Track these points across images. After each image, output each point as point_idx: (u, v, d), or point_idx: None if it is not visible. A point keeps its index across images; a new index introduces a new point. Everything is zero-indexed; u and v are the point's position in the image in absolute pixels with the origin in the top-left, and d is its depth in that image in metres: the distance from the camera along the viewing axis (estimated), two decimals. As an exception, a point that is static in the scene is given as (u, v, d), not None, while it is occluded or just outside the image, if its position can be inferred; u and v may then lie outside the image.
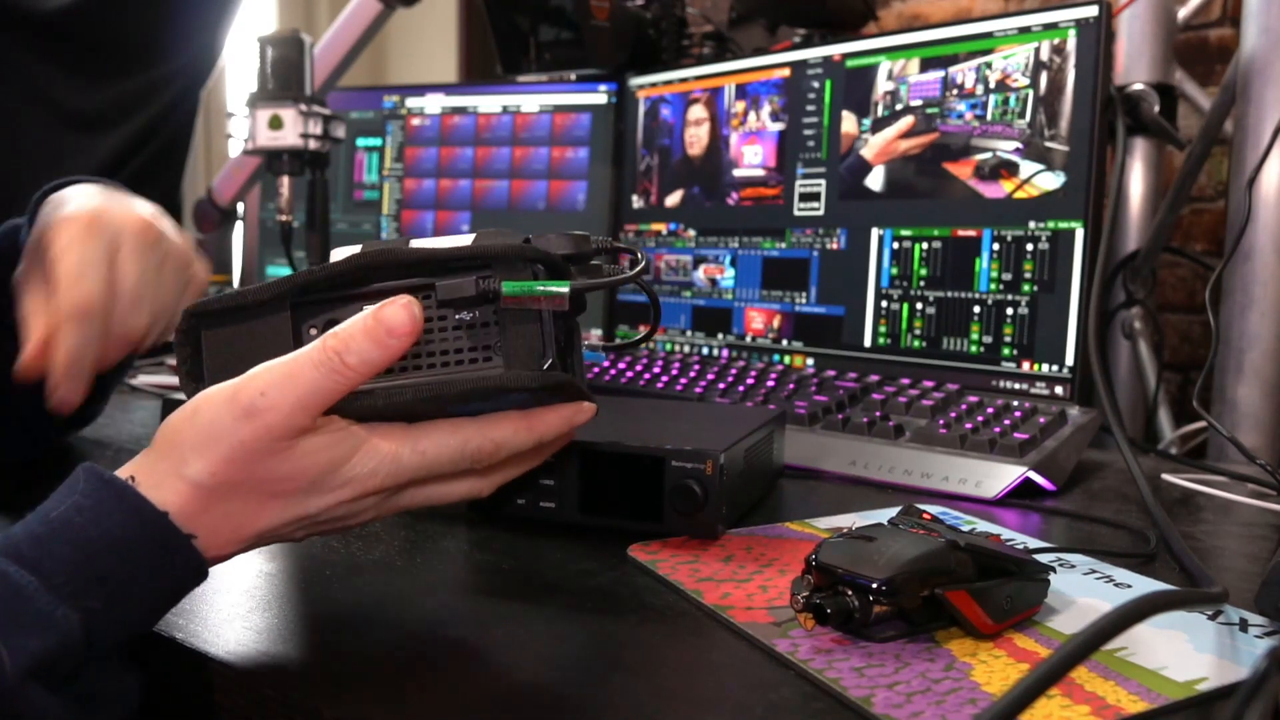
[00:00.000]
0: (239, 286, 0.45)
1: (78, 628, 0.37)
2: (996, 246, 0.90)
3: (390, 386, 0.43)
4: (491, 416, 0.45)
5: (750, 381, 0.96)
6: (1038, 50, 0.88)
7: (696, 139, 1.15)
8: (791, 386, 0.94)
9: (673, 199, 1.18)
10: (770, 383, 0.95)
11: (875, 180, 0.99)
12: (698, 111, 1.15)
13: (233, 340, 0.44)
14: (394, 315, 0.41)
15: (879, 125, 0.98)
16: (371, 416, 0.43)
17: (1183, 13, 1.30)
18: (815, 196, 1.04)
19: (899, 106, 0.97)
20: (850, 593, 0.44)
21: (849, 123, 1.01)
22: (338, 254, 0.46)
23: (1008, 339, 0.89)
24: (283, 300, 0.44)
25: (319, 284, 0.44)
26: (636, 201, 1.22)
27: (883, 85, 0.98)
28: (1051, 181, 0.87)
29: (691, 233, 1.16)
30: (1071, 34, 0.86)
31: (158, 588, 0.40)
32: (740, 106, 1.11)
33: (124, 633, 0.39)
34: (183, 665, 0.45)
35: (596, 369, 1.08)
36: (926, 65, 0.95)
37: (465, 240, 0.45)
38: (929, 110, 0.95)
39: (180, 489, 0.40)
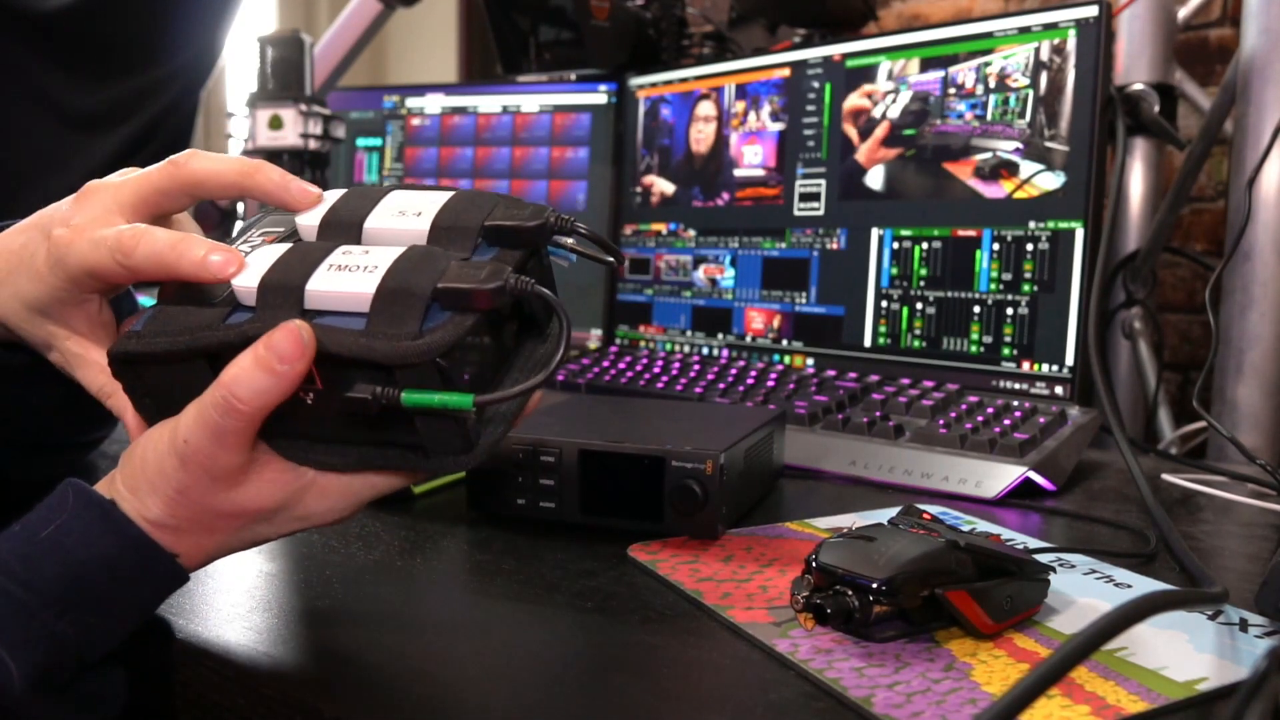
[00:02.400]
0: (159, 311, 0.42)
1: (72, 641, 0.38)
2: (996, 246, 0.90)
3: (323, 460, 0.42)
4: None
5: (750, 381, 0.96)
6: (1038, 50, 0.88)
7: (703, 135, 1.15)
8: (791, 386, 0.94)
9: (673, 199, 1.18)
10: (770, 383, 0.95)
11: (875, 180, 0.99)
12: (706, 108, 1.15)
13: (160, 379, 0.42)
14: (281, 343, 0.39)
15: (866, 134, 0.98)
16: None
17: (1183, 13, 1.30)
18: (815, 196, 1.04)
19: (880, 114, 0.97)
20: (850, 593, 0.44)
21: (850, 129, 1.01)
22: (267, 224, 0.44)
23: (1008, 339, 0.89)
24: (194, 355, 0.41)
25: (232, 346, 0.40)
26: (654, 197, 1.22)
27: (883, 86, 0.98)
28: (1051, 181, 0.87)
29: (691, 233, 1.16)
30: (1071, 34, 0.86)
31: (142, 598, 0.41)
32: (740, 106, 1.11)
33: (113, 641, 0.40)
34: (183, 665, 0.45)
35: (596, 369, 1.08)
36: (926, 65, 0.95)
37: (421, 226, 0.42)
38: (909, 112, 0.95)
39: (148, 526, 0.41)
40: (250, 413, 0.39)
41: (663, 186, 1.19)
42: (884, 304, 0.97)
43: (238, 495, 0.41)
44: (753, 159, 1.10)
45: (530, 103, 1.35)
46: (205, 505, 0.41)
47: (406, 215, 0.43)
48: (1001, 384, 0.89)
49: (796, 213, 1.05)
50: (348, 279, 0.40)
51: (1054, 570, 0.50)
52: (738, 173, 1.11)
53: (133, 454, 0.42)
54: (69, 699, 0.39)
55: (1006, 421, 0.80)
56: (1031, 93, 0.89)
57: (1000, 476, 0.74)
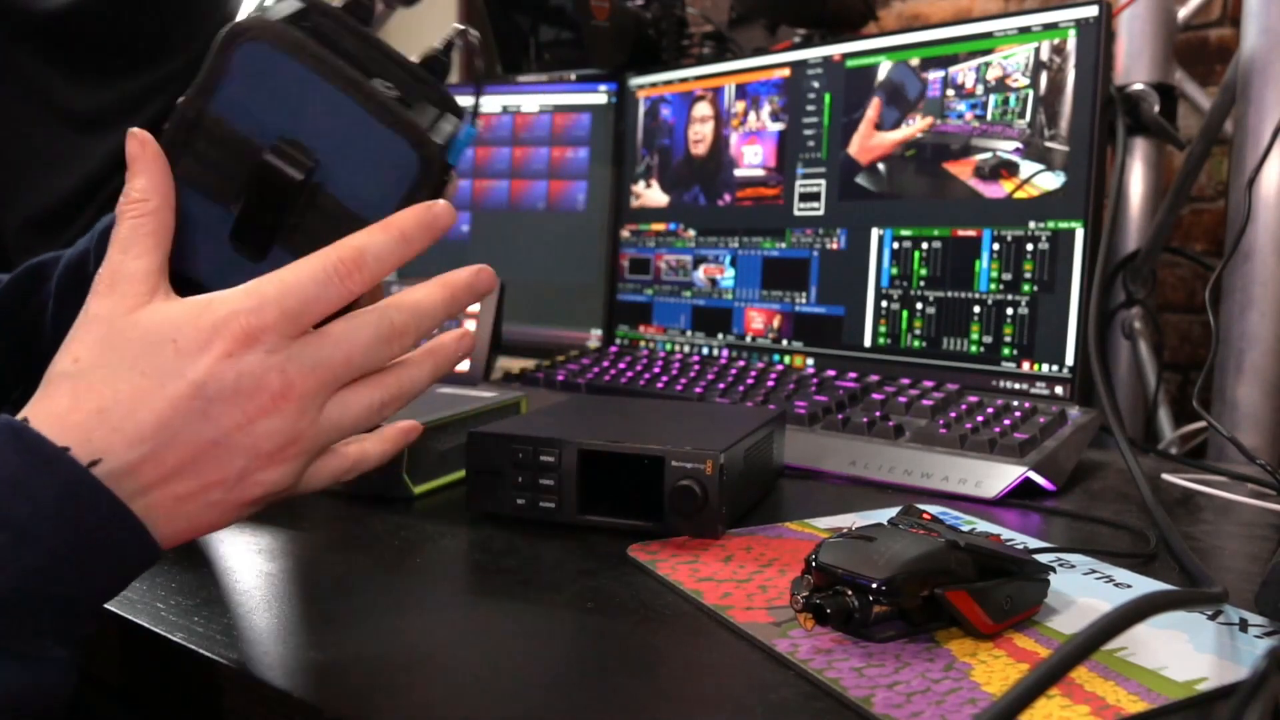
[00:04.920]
0: None
1: None
2: (996, 246, 0.90)
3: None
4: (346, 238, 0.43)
5: (750, 381, 0.96)
6: (1038, 50, 0.88)
7: (701, 136, 1.15)
8: (791, 386, 0.94)
9: (673, 198, 1.18)
10: (770, 383, 0.95)
11: (875, 180, 0.99)
12: (703, 109, 1.15)
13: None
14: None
15: (854, 126, 0.98)
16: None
17: (1183, 13, 1.30)
18: (815, 196, 1.04)
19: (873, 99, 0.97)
20: (850, 593, 0.44)
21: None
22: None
23: (1008, 339, 0.89)
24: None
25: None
26: (636, 201, 1.22)
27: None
28: (1051, 181, 0.87)
29: (691, 233, 1.16)
30: (1071, 34, 0.86)
31: (66, 529, 0.36)
32: (740, 106, 1.11)
33: (31, 583, 0.35)
34: (183, 665, 0.45)
35: (596, 369, 1.08)
36: (926, 65, 0.95)
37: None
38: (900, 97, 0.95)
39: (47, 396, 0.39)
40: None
41: (654, 199, 1.19)
42: (884, 304, 0.97)
43: (147, 314, 0.41)
44: (753, 159, 1.10)
45: (530, 103, 1.35)
46: (115, 339, 0.40)
47: None
48: (1001, 384, 0.89)
49: (796, 213, 1.05)
50: None
51: (1054, 570, 0.50)
52: (738, 173, 1.11)
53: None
54: None
55: (1006, 421, 0.80)
56: (1031, 93, 0.89)
57: (1000, 476, 0.74)
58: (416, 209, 0.44)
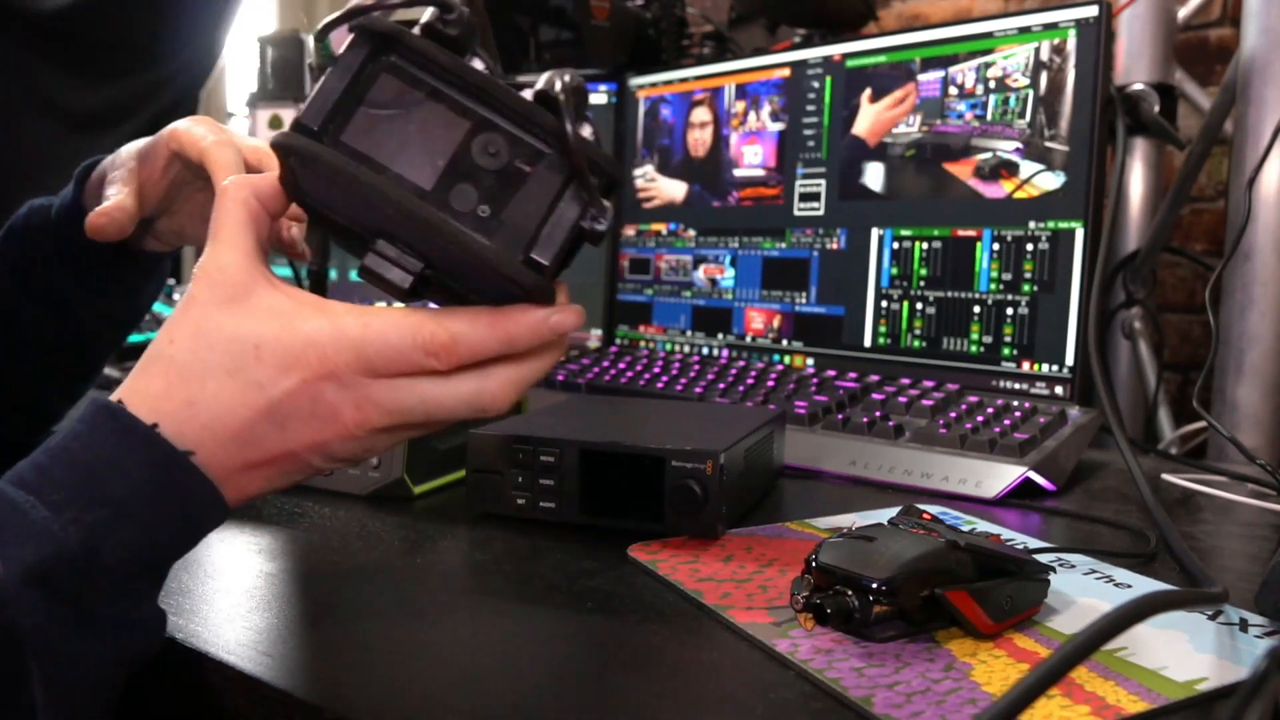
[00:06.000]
0: None
1: (75, 541, 0.37)
2: (996, 246, 0.90)
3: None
4: (449, 308, 0.43)
5: (750, 381, 0.96)
6: (1038, 50, 0.88)
7: (700, 141, 1.15)
8: (791, 386, 0.94)
9: (673, 198, 1.18)
10: (770, 383, 0.95)
11: (875, 179, 0.99)
12: (701, 114, 1.15)
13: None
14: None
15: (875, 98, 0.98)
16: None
17: (1183, 13, 1.30)
18: (815, 196, 1.04)
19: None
20: (850, 593, 0.44)
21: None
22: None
23: (1008, 339, 0.89)
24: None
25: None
26: (649, 197, 1.22)
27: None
28: (1051, 181, 0.87)
29: (691, 233, 1.16)
30: (1071, 34, 0.86)
31: (161, 505, 0.40)
32: (740, 106, 1.11)
33: (130, 553, 0.39)
34: (183, 665, 0.45)
35: (596, 369, 1.08)
36: (926, 65, 0.95)
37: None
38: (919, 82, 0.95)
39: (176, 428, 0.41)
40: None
41: (672, 192, 1.19)
42: (884, 304, 0.97)
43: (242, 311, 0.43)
44: (753, 159, 1.10)
45: (530, 103, 1.35)
46: (206, 324, 0.42)
47: None
48: (1001, 384, 0.89)
49: (796, 213, 1.05)
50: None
51: (1054, 570, 0.50)
52: (738, 173, 1.11)
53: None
54: (78, 610, 0.38)
55: (1006, 421, 0.80)
56: (1031, 93, 0.89)
57: (1000, 476, 0.74)
58: (532, 319, 0.43)
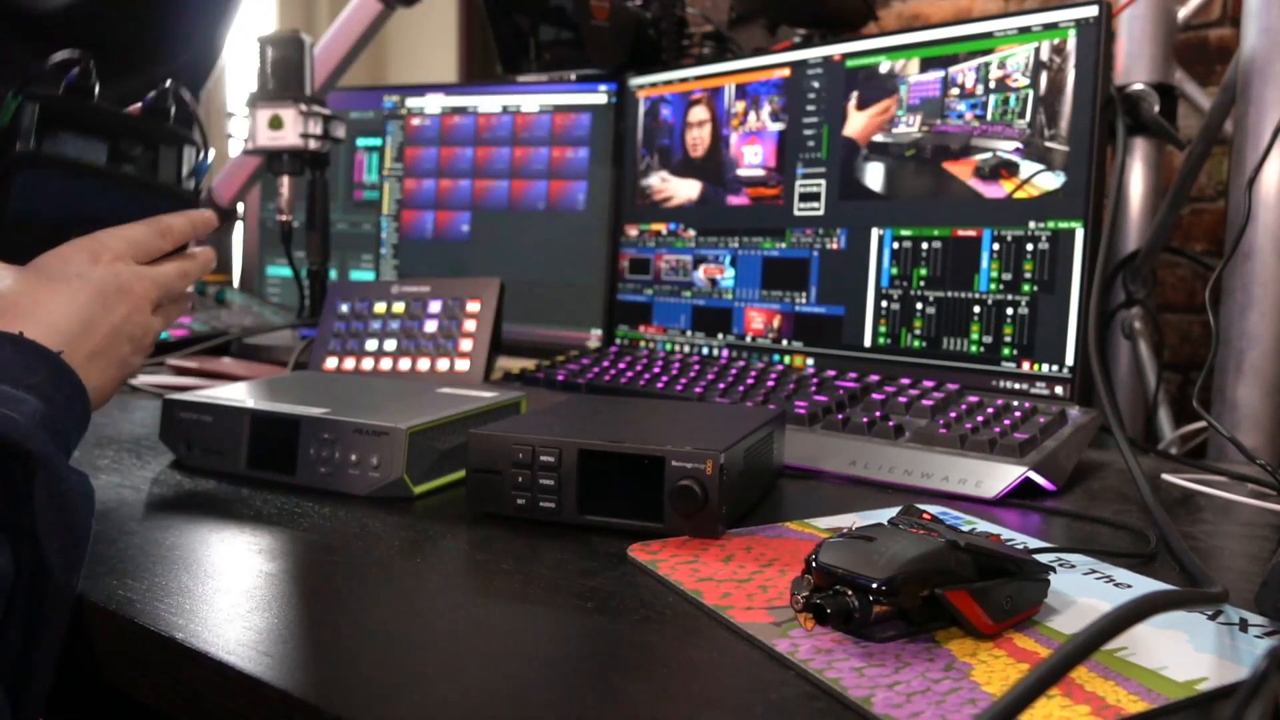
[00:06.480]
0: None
1: (38, 402, 0.52)
2: (996, 246, 0.90)
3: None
4: (160, 215, 0.70)
5: (750, 381, 0.96)
6: (1038, 50, 0.88)
7: (699, 141, 1.15)
8: (791, 386, 0.94)
9: (673, 198, 1.18)
10: (770, 383, 0.95)
11: (875, 179, 0.99)
12: (699, 113, 1.15)
13: None
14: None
15: (865, 104, 0.98)
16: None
17: (1183, 13, 1.30)
18: (815, 196, 1.04)
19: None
20: (850, 593, 0.44)
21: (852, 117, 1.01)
22: None
23: (1008, 339, 0.89)
24: None
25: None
26: (660, 195, 1.22)
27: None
28: (1051, 181, 0.87)
29: (691, 233, 1.16)
30: (1071, 34, 0.87)
31: (59, 385, 0.55)
32: (740, 106, 1.11)
33: (57, 415, 0.54)
34: (183, 665, 0.45)
35: (596, 369, 1.08)
36: (926, 65, 0.96)
37: None
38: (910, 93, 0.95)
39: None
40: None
41: (688, 192, 1.19)
42: (884, 304, 0.97)
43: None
44: (753, 159, 1.10)
45: (530, 103, 1.35)
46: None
47: None
48: (1001, 384, 0.89)
49: (796, 213, 1.05)
50: None
51: (1054, 570, 0.50)
52: (738, 173, 1.11)
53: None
54: (63, 447, 0.53)
55: (1006, 421, 0.80)
56: (1031, 93, 0.89)
57: (1000, 476, 0.74)
58: (193, 213, 0.72)
